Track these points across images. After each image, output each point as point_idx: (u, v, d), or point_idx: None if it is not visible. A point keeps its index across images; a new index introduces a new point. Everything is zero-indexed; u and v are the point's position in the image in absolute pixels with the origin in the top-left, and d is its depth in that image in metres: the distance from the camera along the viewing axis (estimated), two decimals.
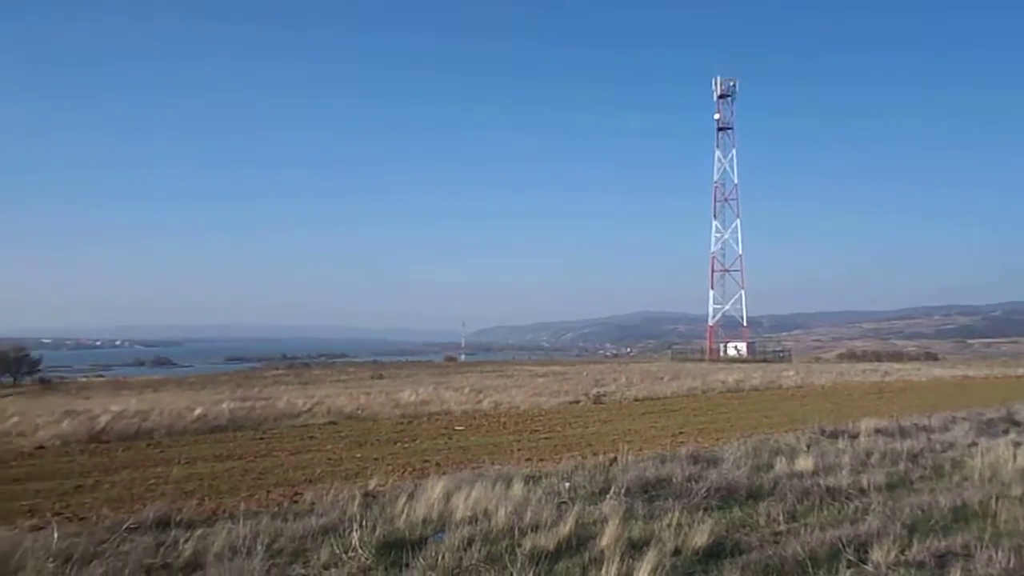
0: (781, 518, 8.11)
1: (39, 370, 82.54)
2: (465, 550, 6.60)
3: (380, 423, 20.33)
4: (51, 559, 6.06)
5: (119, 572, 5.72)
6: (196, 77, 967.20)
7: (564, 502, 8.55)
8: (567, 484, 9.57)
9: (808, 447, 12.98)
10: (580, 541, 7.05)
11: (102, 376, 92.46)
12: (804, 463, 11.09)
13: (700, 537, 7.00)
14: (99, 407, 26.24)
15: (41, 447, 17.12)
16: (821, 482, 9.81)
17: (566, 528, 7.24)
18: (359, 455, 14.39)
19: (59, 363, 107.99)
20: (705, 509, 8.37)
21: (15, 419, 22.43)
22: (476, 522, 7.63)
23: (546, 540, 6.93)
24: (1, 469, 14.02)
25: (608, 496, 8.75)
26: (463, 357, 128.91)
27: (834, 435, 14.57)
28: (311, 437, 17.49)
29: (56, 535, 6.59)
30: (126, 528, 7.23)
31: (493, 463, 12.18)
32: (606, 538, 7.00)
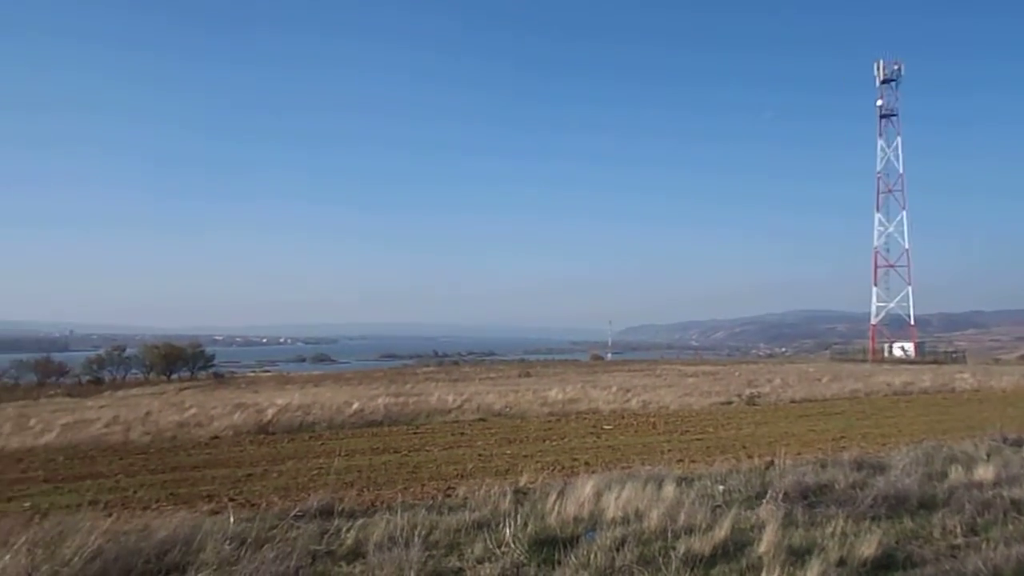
0: (959, 531, 7.47)
1: (212, 365, 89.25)
2: (617, 550, 6.50)
3: (528, 421, 20.51)
4: (228, 542, 6.48)
5: (287, 557, 6.02)
6: None
7: (718, 505, 8.27)
8: (721, 487, 9.26)
9: (988, 455, 11.91)
10: (737, 546, 6.79)
11: (268, 371, 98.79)
12: (984, 472, 10.17)
13: (867, 548, 6.56)
14: (266, 401, 28.02)
15: (216, 437, 18.47)
16: (1005, 494, 8.95)
17: (722, 532, 6.98)
18: (508, 452, 14.55)
19: (230, 359, 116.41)
20: (872, 518, 7.85)
21: (193, 411, 24.33)
22: (628, 522, 7.51)
23: (701, 544, 6.71)
24: (183, 456, 15.24)
25: (765, 501, 8.37)
26: (610, 356, 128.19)
27: (1018, 443, 13.33)
28: (462, 433, 17.89)
29: (232, 519, 7.05)
30: (293, 516, 7.64)
31: (643, 463, 11.98)
32: (764, 544, 6.70)
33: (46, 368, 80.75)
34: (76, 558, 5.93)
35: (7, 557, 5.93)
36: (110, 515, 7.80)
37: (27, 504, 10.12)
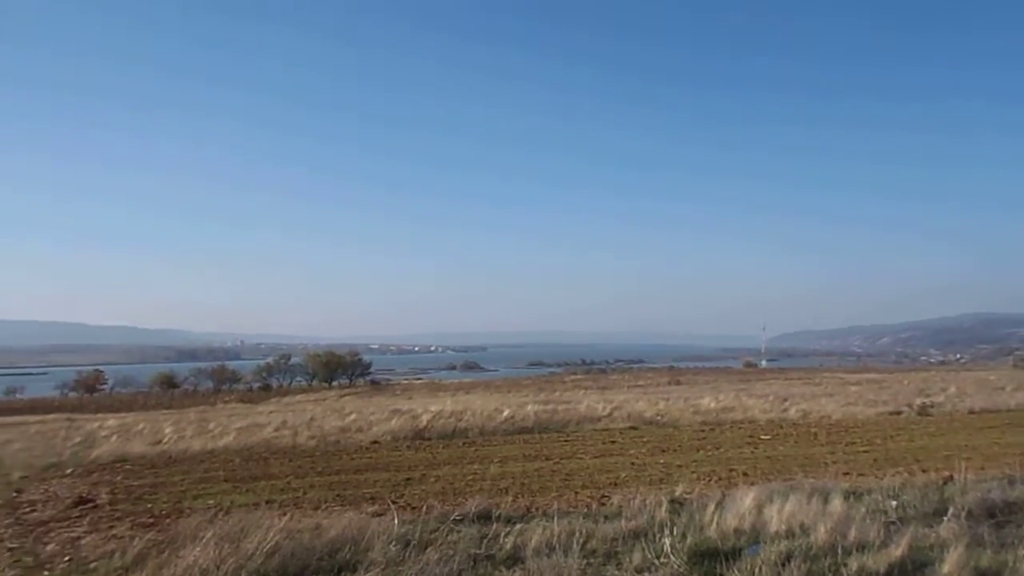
0: None
1: (369, 373, 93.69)
2: (783, 565, 6.21)
3: (681, 429, 20.10)
4: (393, 543, 6.73)
5: (450, 560, 6.18)
6: None
7: (892, 522, 7.75)
8: (894, 502, 8.68)
9: None
10: (915, 566, 6.32)
11: (420, 379, 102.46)
12: None
13: None
14: (420, 407, 28.99)
15: (376, 442, 19.29)
16: None
17: (898, 551, 6.53)
18: (662, 461, 14.31)
19: (385, 367, 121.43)
20: None
21: (353, 416, 25.54)
22: (792, 537, 7.16)
23: (875, 562, 6.31)
24: (346, 460, 16.00)
25: (946, 518, 7.76)
26: (764, 363, 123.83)
27: None
28: (613, 441, 17.77)
29: (396, 521, 7.32)
30: (453, 519, 7.83)
31: (806, 475, 11.43)
32: (948, 565, 6.21)
33: (221, 375, 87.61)
34: (257, 552, 6.35)
35: (197, 550, 6.42)
36: (284, 514, 8.27)
37: (211, 502, 10.93)
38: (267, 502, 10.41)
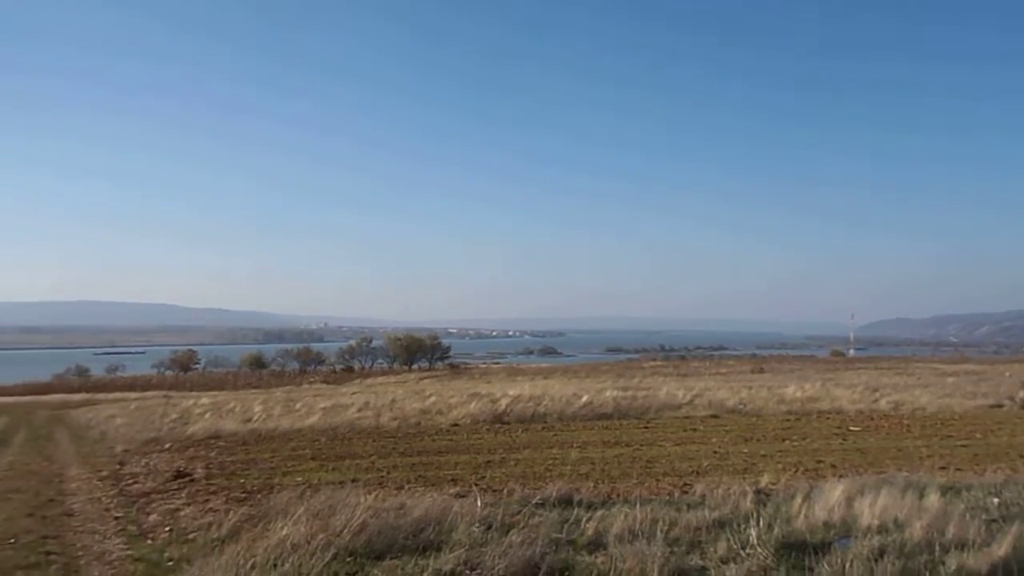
0: None
1: (448, 356, 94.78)
2: (876, 561, 5.99)
3: (765, 419, 19.65)
4: (475, 524, 6.80)
5: (532, 543, 6.18)
6: None
7: (994, 520, 7.38)
8: (996, 500, 8.30)
9: None
10: (1020, 567, 6.01)
11: (498, 363, 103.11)
12: None
13: None
14: (499, 391, 29.19)
15: (456, 424, 19.52)
16: None
17: (1000, 550, 6.22)
18: (745, 450, 14.02)
19: (463, 351, 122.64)
20: None
21: (432, 399, 25.90)
22: (886, 532, 6.91)
23: (975, 561, 6.02)
24: (427, 442, 16.24)
25: None
26: (852, 352, 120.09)
27: None
28: (694, 429, 17.51)
29: (479, 503, 7.38)
30: (534, 503, 7.84)
31: (899, 469, 11.01)
32: None
33: (306, 357, 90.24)
34: (345, 530, 6.51)
35: (289, 525, 6.64)
36: (370, 493, 8.45)
37: (299, 479, 11.27)
38: (352, 481, 10.65)
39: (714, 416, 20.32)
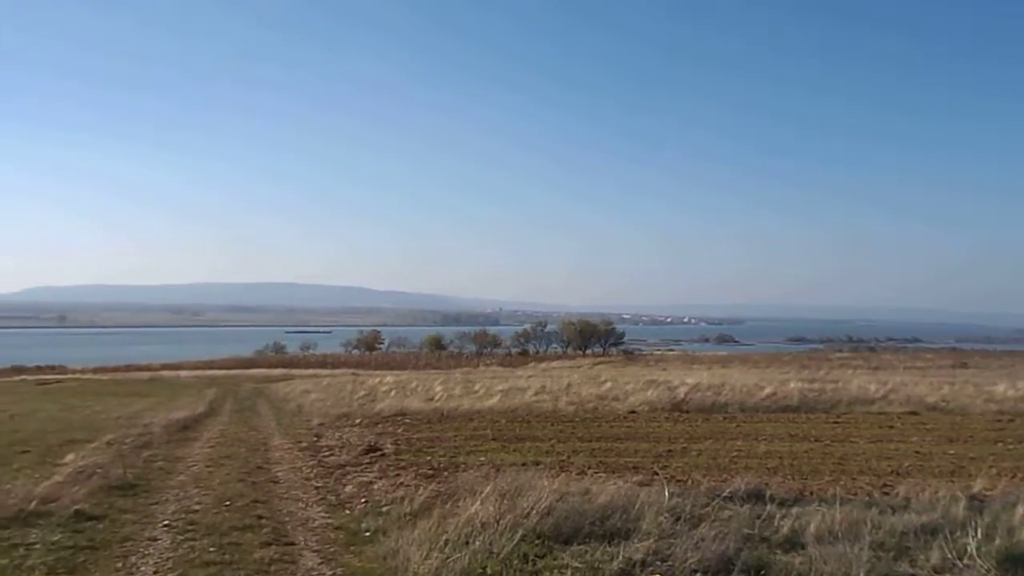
0: None
1: (622, 342, 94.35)
2: None
3: (971, 418, 18.03)
4: (663, 515, 6.66)
5: (724, 537, 5.97)
6: None
7: None
8: None
9: None
10: None
11: (672, 350, 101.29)
12: None
13: None
14: (676, 379, 28.64)
15: (633, 411, 19.34)
16: None
17: None
18: (951, 451, 12.90)
19: (636, 337, 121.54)
20: None
21: (608, 385, 25.81)
22: None
23: None
24: (605, 428, 16.21)
25: None
26: None
27: None
28: (890, 426, 16.37)
29: (666, 493, 7.24)
30: (723, 496, 7.58)
31: None
32: None
33: (483, 339, 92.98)
34: (532, 512, 6.59)
35: (478, 504, 6.81)
36: (553, 477, 8.51)
37: (482, 459, 11.57)
38: (535, 463, 10.81)
39: (913, 413, 18.88)
